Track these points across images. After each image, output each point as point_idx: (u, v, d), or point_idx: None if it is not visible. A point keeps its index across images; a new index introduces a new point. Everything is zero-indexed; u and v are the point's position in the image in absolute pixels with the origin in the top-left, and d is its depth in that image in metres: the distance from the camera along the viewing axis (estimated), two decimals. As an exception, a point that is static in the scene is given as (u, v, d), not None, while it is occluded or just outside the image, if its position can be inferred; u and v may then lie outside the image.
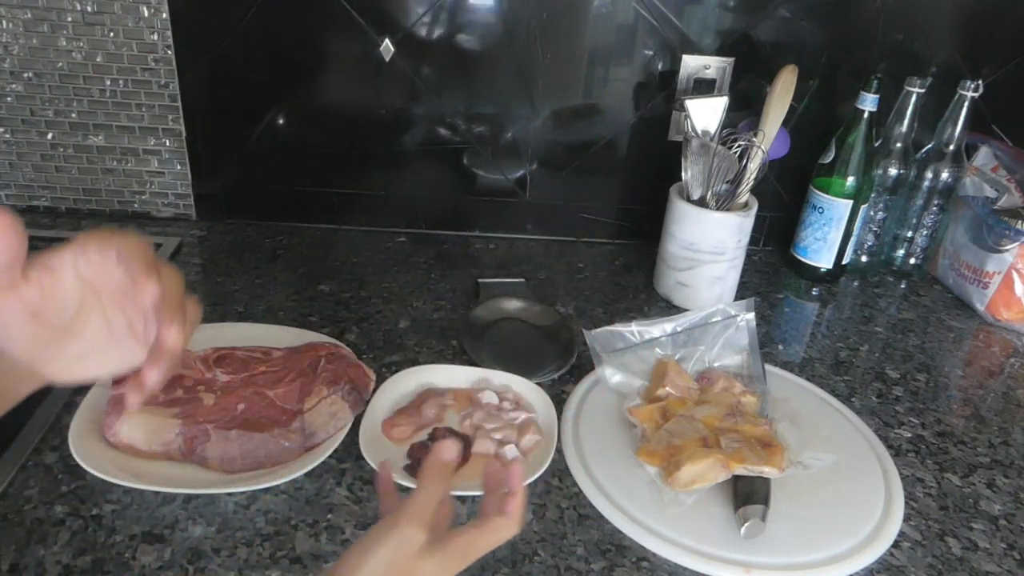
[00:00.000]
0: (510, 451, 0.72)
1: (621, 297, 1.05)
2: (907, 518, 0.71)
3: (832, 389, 0.89)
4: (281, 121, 1.09)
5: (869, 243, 1.16)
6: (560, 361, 0.87)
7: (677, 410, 0.78)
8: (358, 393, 0.76)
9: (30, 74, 1.03)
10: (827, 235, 1.09)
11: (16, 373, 0.48)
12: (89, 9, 1.00)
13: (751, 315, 0.89)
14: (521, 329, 0.94)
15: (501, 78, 1.08)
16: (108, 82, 1.04)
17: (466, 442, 0.73)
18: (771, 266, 1.18)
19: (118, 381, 0.72)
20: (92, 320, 0.47)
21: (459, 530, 0.50)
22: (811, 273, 1.13)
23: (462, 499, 0.68)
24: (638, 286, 1.08)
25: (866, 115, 1.02)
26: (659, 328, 0.89)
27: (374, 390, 0.79)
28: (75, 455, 0.67)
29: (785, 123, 1.01)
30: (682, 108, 1.00)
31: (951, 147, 1.09)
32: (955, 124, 1.07)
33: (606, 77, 1.10)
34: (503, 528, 0.51)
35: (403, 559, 0.46)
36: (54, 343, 0.46)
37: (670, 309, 1.03)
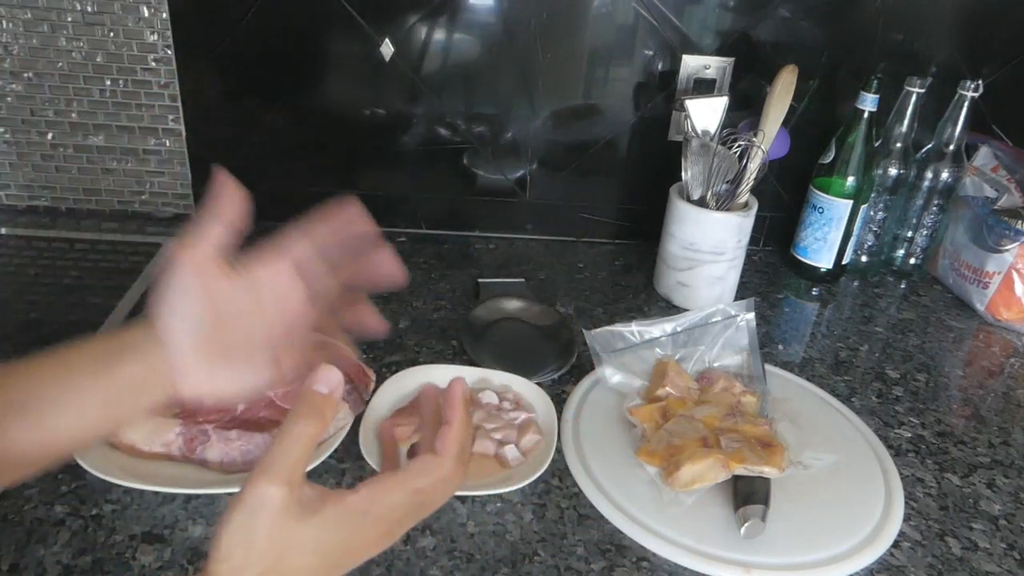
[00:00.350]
0: (510, 451, 0.72)
1: (621, 297, 1.05)
2: (907, 518, 0.71)
3: (832, 389, 0.89)
4: (281, 121, 1.09)
5: (869, 243, 1.16)
6: (560, 361, 0.87)
7: (677, 410, 0.77)
8: (358, 393, 0.76)
9: (30, 74, 1.03)
10: (827, 235, 1.09)
11: (149, 375, 0.44)
12: (89, 9, 1.00)
13: (751, 315, 0.89)
14: (521, 329, 0.94)
15: (501, 78, 1.08)
16: (108, 82, 1.04)
17: (466, 442, 0.73)
18: (771, 266, 1.18)
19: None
20: (248, 326, 0.46)
21: (366, 483, 0.40)
22: (811, 273, 1.13)
23: (462, 499, 0.68)
24: (638, 286, 1.08)
25: (866, 115, 1.02)
26: (659, 328, 0.89)
27: (374, 390, 0.79)
28: (75, 455, 0.67)
29: (785, 123, 1.01)
30: (682, 108, 1.00)
31: (951, 147, 1.09)
32: (955, 124, 1.07)
33: (606, 77, 1.10)
34: (431, 470, 0.41)
35: (260, 527, 0.36)
36: (208, 340, 0.45)
37: (670, 309, 1.03)
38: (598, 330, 0.87)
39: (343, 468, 0.71)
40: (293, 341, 0.47)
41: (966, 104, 1.05)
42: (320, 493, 0.39)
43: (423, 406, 0.48)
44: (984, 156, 1.10)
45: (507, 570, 0.62)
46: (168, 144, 1.09)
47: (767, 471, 0.69)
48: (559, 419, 0.78)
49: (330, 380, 0.40)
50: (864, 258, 1.17)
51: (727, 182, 0.97)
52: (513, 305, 0.96)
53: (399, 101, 1.08)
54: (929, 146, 1.11)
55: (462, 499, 0.68)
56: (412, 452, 0.72)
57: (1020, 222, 1.00)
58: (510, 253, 1.15)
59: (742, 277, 1.04)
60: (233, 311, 0.45)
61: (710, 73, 1.08)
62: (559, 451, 0.74)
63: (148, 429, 0.68)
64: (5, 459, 0.41)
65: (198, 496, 0.66)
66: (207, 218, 0.43)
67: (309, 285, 0.47)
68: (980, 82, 1.04)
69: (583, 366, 0.87)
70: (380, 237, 0.50)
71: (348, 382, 0.75)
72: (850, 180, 1.05)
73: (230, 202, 0.44)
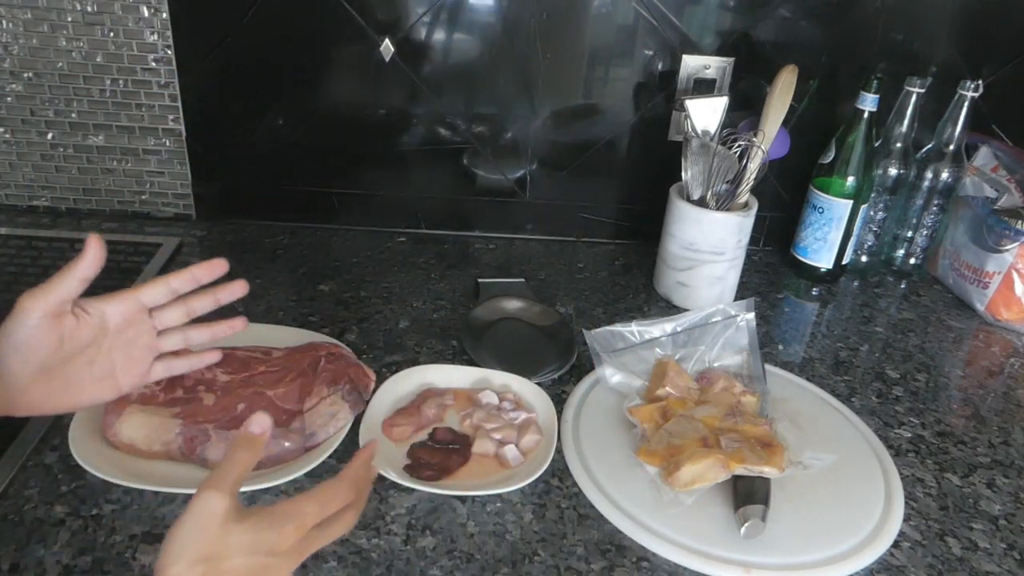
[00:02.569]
0: (510, 451, 0.72)
1: (621, 297, 1.05)
2: (907, 518, 0.71)
3: (832, 389, 0.89)
4: (281, 121, 1.09)
5: (869, 243, 1.16)
6: (560, 361, 0.87)
7: (677, 410, 0.78)
8: (358, 393, 0.76)
9: (30, 74, 1.03)
10: (827, 235, 1.09)
11: None
12: (89, 9, 1.00)
13: (751, 315, 0.89)
14: (521, 329, 0.94)
15: (501, 78, 1.08)
16: (108, 82, 1.04)
17: (466, 442, 0.73)
18: (771, 266, 1.18)
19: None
20: (89, 355, 0.56)
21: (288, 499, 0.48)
22: (811, 273, 1.13)
23: (462, 499, 0.68)
24: (638, 286, 1.08)
25: (866, 115, 1.02)
26: (659, 328, 0.89)
27: (374, 390, 0.79)
28: (75, 455, 0.67)
29: (785, 123, 1.01)
30: (682, 108, 1.00)
31: (951, 147, 1.09)
32: (955, 124, 1.07)
33: (606, 77, 1.10)
34: (334, 490, 0.49)
35: (207, 526, 0.44)
36: (48, 370, 0.54)
37: (670, 309, 1.03)
38: (598, 330, 0.87)
39: (343, 468, 0.70)
40: (134, 362, 0.59)
41: (966, 104, 1.05)
42: (252, 507, 0.46)
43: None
44: (984, 156, 1.09)
45: (507, 570, 0.62)
46: (168, 144, 1.09)
47: (767, 471, 0.69)
48: (559, 419, 0.78)
49: (263, 423, 0.49)
50: (864, 258, 1.17)
51: (727, 182, 0.97)
52: (513, 305, 0.96)
53: (399, 101, 1.08)
54: (929, 146, 1.11)
55: (462, 499, 0.68)
56: (412, 454, 0.72)
57: (1020, 222, 1.00)
58: (510, 253, 1.15)
59: (742, 277, 1.04)
60: (76, 345, 0.54)
61: (710, 73, 1.08)
62: (559, 451, 0.74)
63: (148, 429, 0.68)
64: None
65: (198, 496, 0.66)
66: (66, 271, 0.53)
67: (160, 320, 0.60)
68: (980, 82, 1.04)
69: (583, 366, 0.87)
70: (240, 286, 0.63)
71: (348, 382, 0.75)
72: (850, 180, 1.05)
73: (93, 264, 0.53)
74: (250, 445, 0.48)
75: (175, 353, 0.64)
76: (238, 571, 0.44)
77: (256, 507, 0.46)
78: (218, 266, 0.59)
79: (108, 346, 0.56)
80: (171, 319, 0.60)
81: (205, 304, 0.62)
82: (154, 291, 0.58)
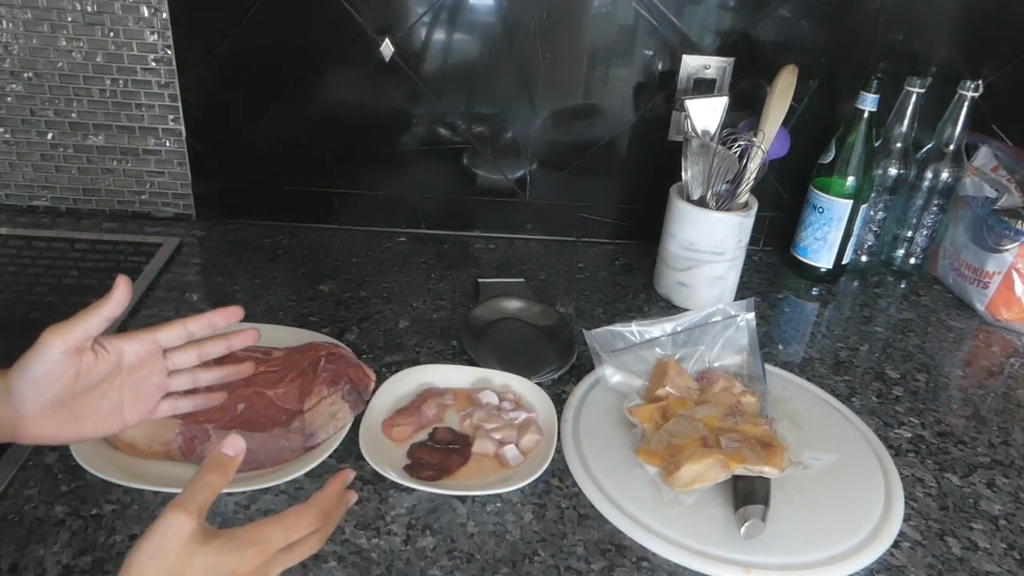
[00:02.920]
0: (510, 451, 0.72)
1: (621, 297, 1.05)
2: (907, 518, 0.71)
3: (832, 389, 0.89)
4: (281, 121, 1.09)
5: (869, 243, 1.16)
6: (560, 361, 0.87)
7: (677, 410, 0.78)
8: (358, 393, 0.76)
9: (30, 74, 1.03)
10: (827, 235, 1.09)
11: None
12: (89, 9, 1.00)
13: (751, 315, 0.89)
14: (521, 329, 0.94)
15: (501, 78, 1.08)
16: (108, 82, 1.04)
17: (466, 442, 0.73)
18: (771, 266, 1.18)
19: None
20: (101, 390, 0.56)
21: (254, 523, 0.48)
22: (811, 273, 1.13)
23: (462, 499, 0.68)
24: (638, 286, 1.08)
25: (866, 115, 1.02)
26: (659, 328, 0.89)
27: (374, 390, 0.79)
28: (75, 455, 0.67)
29: (785, 123, 1.01)
30: (682, 108, 1.00)
31: (951, 147, 1.09)
32: (955, 124, 1.07)
33: (606, 77, 1.10)
34: (300, 517, 0.49)
35: (171, 548, 0.43)
36: (59, 403, 0.54)
37: (670, 309, 1.03)
38: (598, 330, 0.87)
39: (343, 468, 0.70)
40: (142, 399, 0.60)
41: (966, 104, 1.05)
42: (216, 530, 0.46)
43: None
44: (984, 156, 1.09)
45: (507, 570, 0.62)
46: (168, 144, 1.09)
47: (767, 471, 0.69)
48: (559, 419, 0.78)
49: (235, 445, 0.49)
50: (864, 258, 1.17)
51: (727, 182, 0.97)
52: (513, 305, 0.96)
53: (399, 101, 1.08)
54: (929, 146, 1.11)
55: (462, 499, 0.68)
56: (412, 454, 0.72)
57: (1020, 222, 1.00)
58: (510, 253, 1.15)
59: (742, 277, 1.04)
60: (91, 380, 0.55)
61: (710, 73, 1.08)
62: (559, 451, 0.74)
63: (148, 429, 0.68)
64: None
65: (198, 496, 0.66)
66: (92, 310, 0.53)
67: (173, 361, 0.61)
68: (980, 82, 1.04)
69: (583, 366, 0.87)
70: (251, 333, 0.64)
71: (348, 382, 0.75)
72: (850, 180, 1.05)
73: (120, 306, 0.54)
74: (221, 467, 0.48)
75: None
76: None
77: (221, 530, 0.46)
78: (234, 313, 0.61)
79: (120, 383, 0.57)
80: (183, 361, 0.62)
81: (217, 349, 0.63)
82: (171, 333, 0.59)
